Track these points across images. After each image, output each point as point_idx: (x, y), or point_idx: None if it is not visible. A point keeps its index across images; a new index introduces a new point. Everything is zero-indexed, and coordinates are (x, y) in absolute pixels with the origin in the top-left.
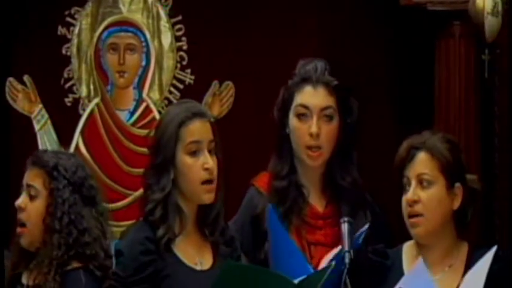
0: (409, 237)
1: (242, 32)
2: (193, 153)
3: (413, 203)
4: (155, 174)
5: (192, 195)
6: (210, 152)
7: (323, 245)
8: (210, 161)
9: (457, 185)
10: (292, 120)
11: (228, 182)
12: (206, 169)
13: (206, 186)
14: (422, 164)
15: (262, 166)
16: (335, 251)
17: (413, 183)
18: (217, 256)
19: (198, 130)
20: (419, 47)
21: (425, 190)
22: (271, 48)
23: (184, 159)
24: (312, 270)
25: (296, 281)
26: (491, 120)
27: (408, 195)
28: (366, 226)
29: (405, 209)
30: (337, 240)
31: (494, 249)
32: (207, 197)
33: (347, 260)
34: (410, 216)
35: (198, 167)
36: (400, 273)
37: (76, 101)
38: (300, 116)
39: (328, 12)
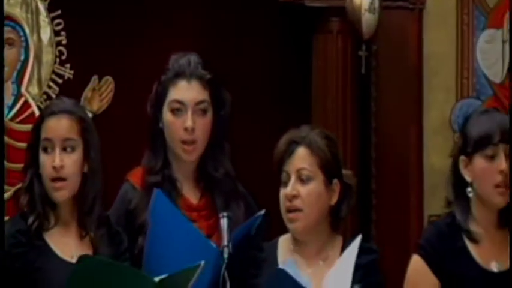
0: (284, 230)
1: (122, 27)
2: (45, 150)
3: (292, 197)
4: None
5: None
6: (65, 149)
7: None
8: (57, 160)
9: (335, 181)
10: (166, 115)
11: (106, 177)
12: (53, 168)
13: (54, 184)
14: (301, 159)
15: (141, 161)
16: None
17: (293, 178)
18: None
19: (51, 128)
20: (297, 43)
21: (305, 185)
22: (150, 44)
23: (40, 157)
24: (213, 245)
25: (157, 279)
26: (368, 116)
27: (287, 190)
28: (261, 213)
29: (283, 204)
30: (211, 232)
31: (358, 238)
32: (59, 195)
33: (226, 255)
34: (289, 211)
35: (48, 165)
36: (275, 266)
37: None
38: (174, 111)
39: (207, 7)
